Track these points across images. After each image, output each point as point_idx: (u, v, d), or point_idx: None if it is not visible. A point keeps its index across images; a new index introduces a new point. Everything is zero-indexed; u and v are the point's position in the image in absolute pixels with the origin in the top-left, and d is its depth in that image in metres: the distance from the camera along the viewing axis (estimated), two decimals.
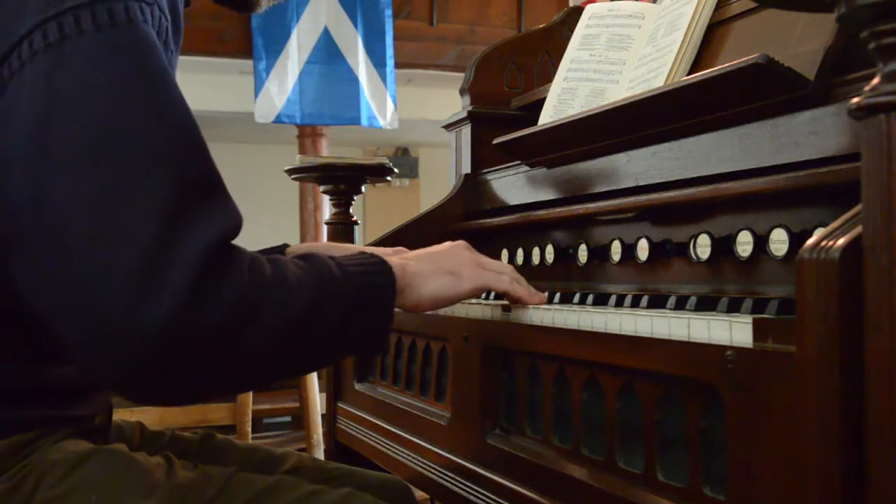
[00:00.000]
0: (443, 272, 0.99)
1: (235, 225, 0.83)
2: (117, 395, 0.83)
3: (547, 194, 1.48)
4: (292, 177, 1.83)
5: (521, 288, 1.06)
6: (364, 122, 6.02)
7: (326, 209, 5.28)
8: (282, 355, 0.85)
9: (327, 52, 5.92)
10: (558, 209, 1.42)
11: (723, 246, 1.07)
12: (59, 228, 0.76)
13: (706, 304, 0.97)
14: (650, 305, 1.05)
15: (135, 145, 0.78)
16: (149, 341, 0.74)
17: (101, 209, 0.76)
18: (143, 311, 0.74)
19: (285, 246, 1.21)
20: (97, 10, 0.79)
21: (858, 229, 0.62)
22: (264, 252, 1.18)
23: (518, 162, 1.56)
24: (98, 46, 0.79)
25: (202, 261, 0.76)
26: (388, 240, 1.67)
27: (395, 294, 0.93)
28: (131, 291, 0.74)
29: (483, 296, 1.44)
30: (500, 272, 1.06)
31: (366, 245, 1.68)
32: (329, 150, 6.37)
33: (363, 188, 1.85)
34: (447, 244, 1.06)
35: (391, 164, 1.77)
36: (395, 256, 0.98)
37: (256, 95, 5.77)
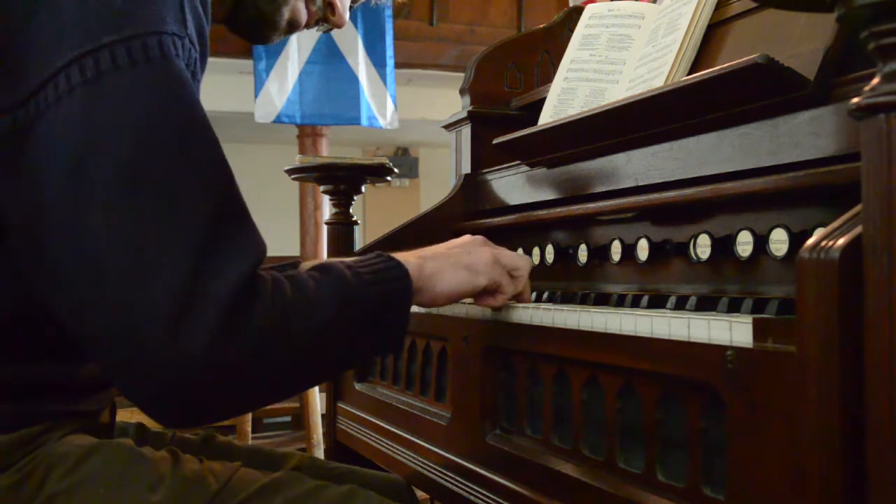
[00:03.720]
0: (459, 267, 1.01)
1: (262, 255, 0.85)
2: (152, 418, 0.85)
3: (547, 194, 1.48)
4: (292, 177, 1.83)
5: (525, 287, 1.08)
6: (364, 122, 6.02)
7: (326, 209, 5.28)
8: (308, 370, 0.89)
9: (327, 52, 5.92)
10: (558, 209, 1.42)
11: (723, 246, 1.07)
12: (97, 262, 0.78)
13: (706, 304, 0.97)
14: (650, 305, 1.05)
15: (169, 181, 0.80)
16: (183, 373, 0.77)
17: (136, 245, 0.78)
18: (177, 344, 0.76)
19: (298, 261, 1.23)
20: (132, 45, 0.81)
21: (858, 229, 0.62)
22: (279, 268, 1.20)
23: (518, 162, 1.56)
24: (133, 83, 0.80)
25: (234, 295, 0.79)
26: (388, 240, 1.67)
27: (412, 296, 0.95)
28: (167, 326, 0.76)
29: None
30: (516, 276, 1.07)
31: (367, 245, 1.68)
32: (329, 150, 6.37)
33: (363, 188, 1.85)
34: (464, 238, 1.08)
35: (391, 164, 1.77)
36: (412, 255, 0.99)
37: (256, 95, 5.76)
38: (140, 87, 0.81)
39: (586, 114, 1.27)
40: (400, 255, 0.97)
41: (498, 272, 1.04)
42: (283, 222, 7.70)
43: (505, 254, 1.07)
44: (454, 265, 1.01)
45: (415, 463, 1.33)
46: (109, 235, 0.77)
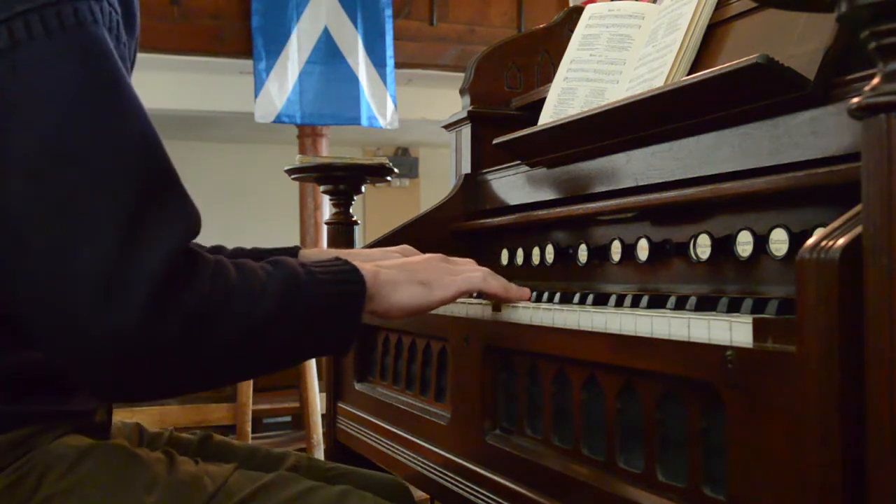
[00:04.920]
0: (414, 282, 1.00)
1: (195, 225, 0.83)
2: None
3: (547, 194, 1.48)
4: (292, 177, 1.83)
5: (496, 283, 1.06)
6: (364, 122, 6.02)
7: (326, 209, 5.28)
8: (244, 359, 0.87)
9: (327, 52, 5.92)
10: (558, 209, 1.42)
11: (723, 246, 1.07)
12: (21, 237, 0.77)
13: (706, 304, 0.97)
14: (650, 305, 1.05)
15: (91, 152, 0.78)
16: (112, 348, 0.76)
17: (60, 218, 0.76)
18: (106, 318, 0.75)
19: (297, 248, 1.23)
20: (46, 14, 0.79)
21: (858, 229, 0.62)
22: (274, 252, 1.19)
23: (518, 162, 1.56)
24: (50, 52, 0.78)
25: (164, 269, 0.77)
26: (388, 240, 1.67)
27: (365, 301, 0.94)
28: (95, 300, 0.75)
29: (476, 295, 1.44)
30: (473, 272, 1.06)
31: (367, 244, 1.68)
32: (329, 150, 6.37)
33: (363, 188, 1.85)
34: (422, 256, 1.08)
35: (391, 164, 1.77)
36: (369, 264, 0.99)
37: (256, 95, 5.76)
38: (57, 57, 0.79)
39: (586, 114, 1.27)
40: (357, 263, 0.97)
41: (458, 281, 1.03)
42: (283, 222, 7.70)
43: (459, 266, 1.06)
44: (409, 279, 1.00)
45: (415, 463, 1.33)
46: (32, 208, 0.76)
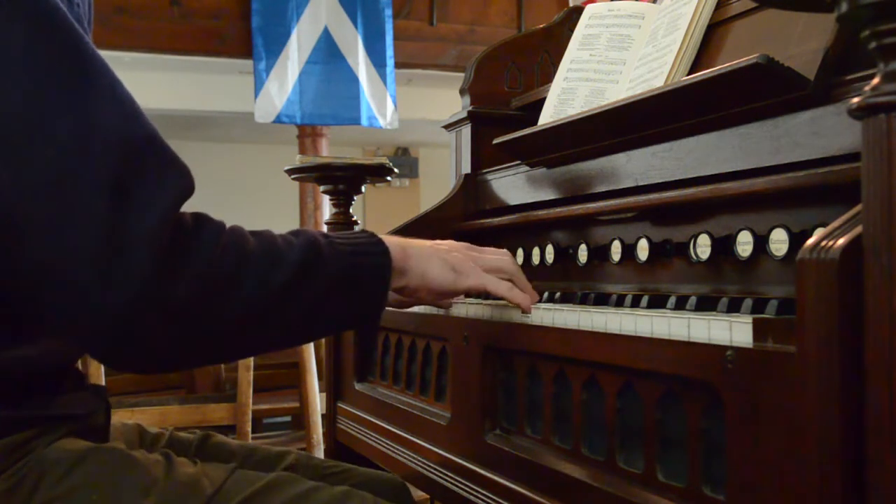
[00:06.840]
0: (447, 266, 0.99)
1: (188, 184, 0.81)
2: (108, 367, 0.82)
3: (547, 194, 1.48)
4: (292, 177, 1.83)
5: (519, 294, 1.05)
6: (364, 122, 6.02)
7: (326, 209, 5.28)
8: (258, 328, 0.84)
9: (327, 52, 5.92)
10: (558, 209, 1.42)
11: (723, 246, 1.07)
12: (9, 216, 0.75)
13: (706, 304, 0.97)
14: (650, 305, 1.05)
15: (65, 118, 0.76)
16: (120, 317, 0.75)
17: (46, 191, 0.74)
18: (110, 288, 0.74)
19: None
20: None
21: (858, 229, 0.62)
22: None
23: (518, 162, 1.56)
24: (3, 22, 0.76)
25: (161, 231, 0.75)
26: None
27: (391, 273, 0.92)
28: (96, 271, 0.74)
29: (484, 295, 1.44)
30: (501, 275, 1.05)
31: None
32: (329, 150, 6.37)
33: (363, 188, 1.85)
34: (449, 242, 1.06)
35: (391, 164, 1.77)
36: (397, 238, 0.98)
37: (256, 95, 5.76)
38: (11, 25, 0.76)
39: (586, 114, 1.27)
40: (384, 237, 0.95)
41: (486, 279, 1.02)
42: (283, 222, 7.69)
43: (488, 258, 1.05)
44: (442, 261, 0.99)
45: (415, 463, 1.33)
46: (15, 185, 0.74)
